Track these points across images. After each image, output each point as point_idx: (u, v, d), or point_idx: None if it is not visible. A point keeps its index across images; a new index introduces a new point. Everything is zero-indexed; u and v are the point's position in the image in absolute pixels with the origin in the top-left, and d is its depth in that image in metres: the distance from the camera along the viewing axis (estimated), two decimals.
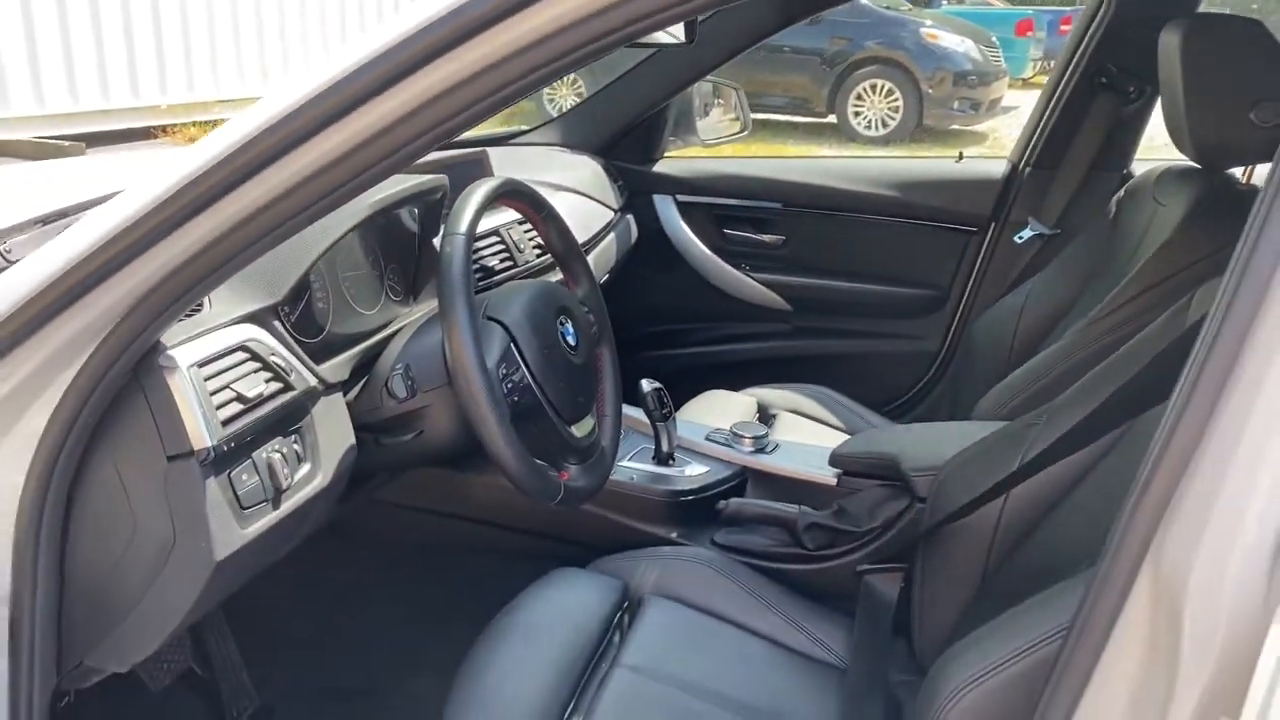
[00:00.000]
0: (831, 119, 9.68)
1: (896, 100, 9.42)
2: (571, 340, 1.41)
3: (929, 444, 1.61)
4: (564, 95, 8.35)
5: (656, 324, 2.69)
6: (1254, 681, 0.70)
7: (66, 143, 6.85)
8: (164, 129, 7.72)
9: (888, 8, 9.90)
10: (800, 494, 1.72)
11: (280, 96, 0.89)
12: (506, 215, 1.84)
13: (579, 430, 1.42)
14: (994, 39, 9.94)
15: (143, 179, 0.94)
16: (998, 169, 2.44)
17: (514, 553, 1.76)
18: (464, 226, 1.28)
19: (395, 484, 1.67)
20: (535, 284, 1.46)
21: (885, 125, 9.50)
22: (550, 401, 1.35)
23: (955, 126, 9.75)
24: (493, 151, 2.06)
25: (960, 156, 2.57)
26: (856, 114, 9.54)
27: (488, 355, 1.28)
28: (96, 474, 1.06)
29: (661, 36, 1.70)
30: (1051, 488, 1.29)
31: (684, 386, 2.23)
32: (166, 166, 0.93)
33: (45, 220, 1.32)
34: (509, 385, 1.30)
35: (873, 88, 9.47)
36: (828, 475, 1.72)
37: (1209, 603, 0.73)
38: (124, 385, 1.03)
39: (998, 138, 9.55)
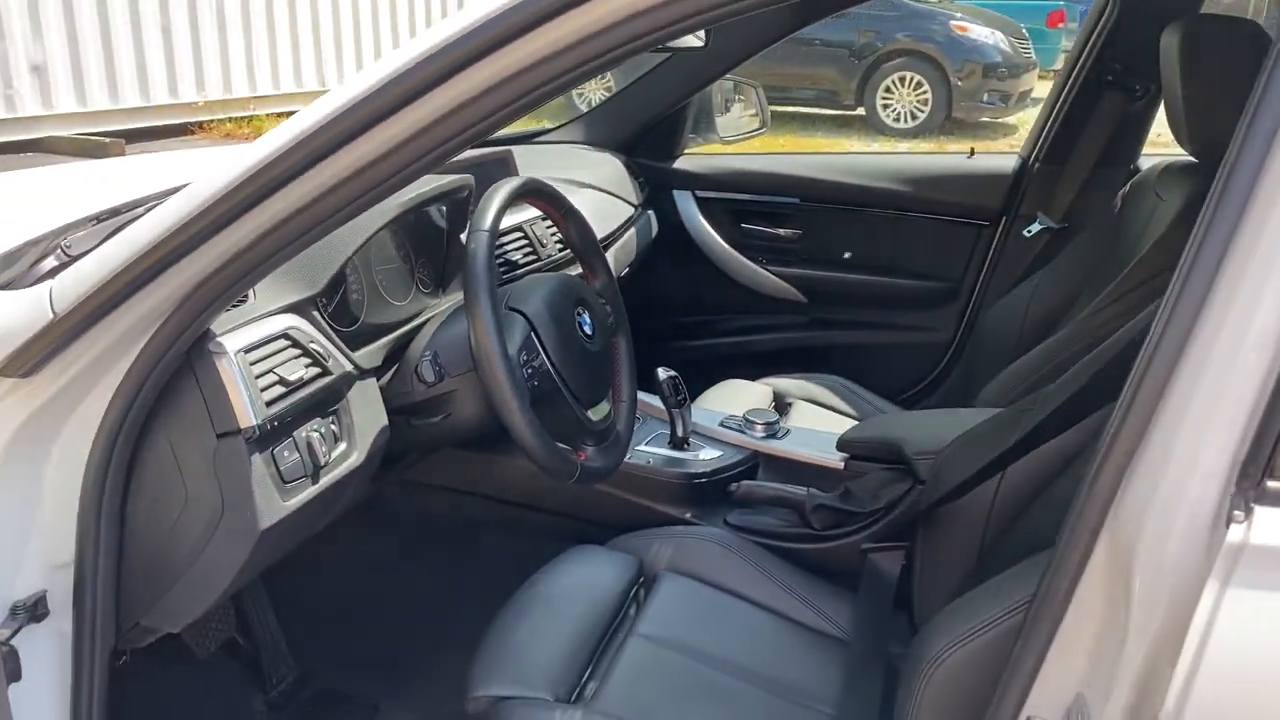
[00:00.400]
0: (860, 111, 9.68)
1: (925, 93, 9.39)
2: (588, 329, 1.50)
3: (931, 429, 1.68)
4: (593, 90, 8.40)
5: (677, 316, 2.75)
6: (1189, 633, 0.77)
7: (107, 139, 7.03)
8: (200, 126, 7.89)
9: (917, 0, 9.88)
10: (809, 477, 1.79)
11: (319, 106, 0.97)
12: (530, 212, 1.91)
13: (595, 414, 1.50)
14: (1024, 30, 9.88)
15: (194, 183, 1.03)
16: (1008, 164, 2.49)
17: (537, 531, 1.84)
18: (488, 223, 1.36)
19: (426, 465, 1.75)
20: (555, 277, 1.54)
21: (914, 118, 9.47)
22: (568, 386, 1.43)
23: (985, 119, 9.71)
24: (518, 150, 2.13)
25: (972, 152, 2.62)
26: (885, 106, 9.53)
27: (509, 343, 1.36)
28: (153, 450, 1.15)
29: (681, 41, 1.78)
30: (1043, 469, 1.35)
31: (703, 376, 2.30)
32: (214, 172, 1.01)
33: (99, 218, 1.41)
34: (529, 371, 1.38)
35: (901, 80, 9.45)
36: (835, 459, 1.79)
37: (1156, 565, 0.80)
38: (178, 369, 1.12)
39: (1027, 129, 9.47)
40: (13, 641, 1.09)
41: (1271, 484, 0.78)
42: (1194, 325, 0.80)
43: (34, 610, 1.12)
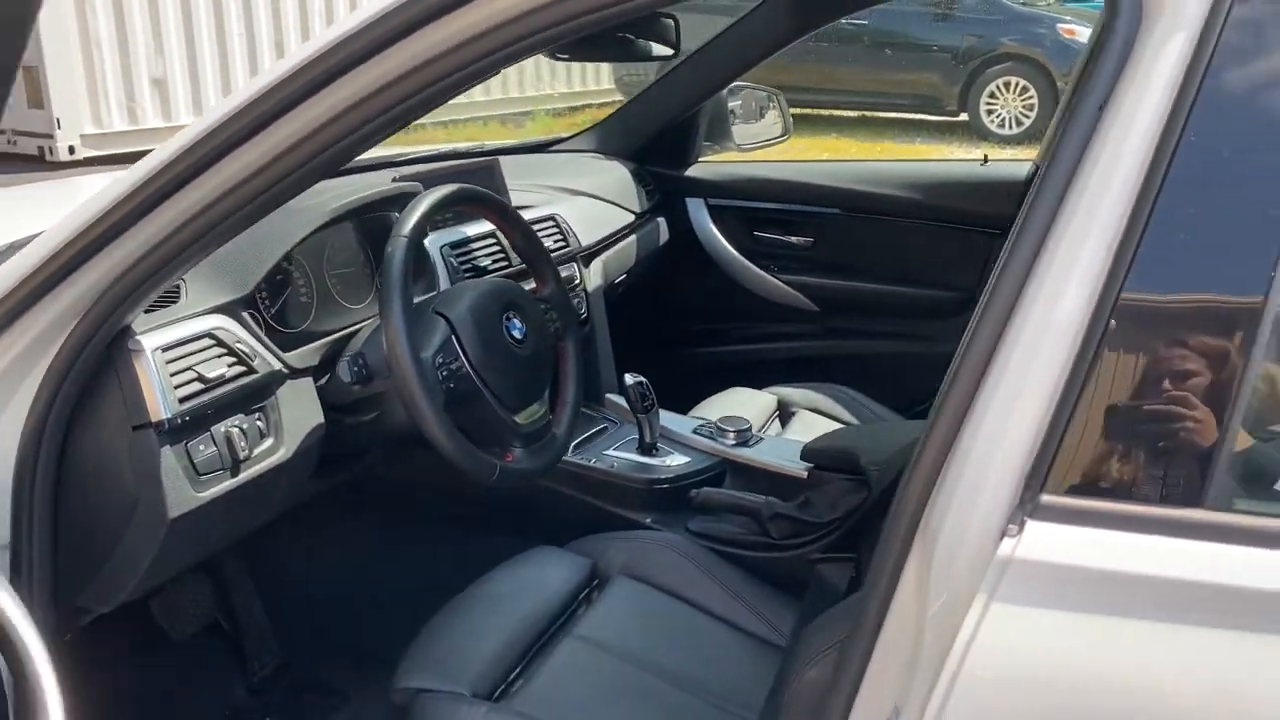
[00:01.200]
0: (963, 117, 9.47)
1: (1031, 98, 9.13)
2: (518, 334, 1.51)
3: (890, 438, 1.65)
4: None
5: (688, 323, 2.74)
6: (954, 647, 0.76)
7: None
8: None
9: (1024, 4, 9.60)
10: (775, 486, 1.77)
11: (215, 110, 1.02)
12: None
13: (523, 417, 1.52)
14: None
15: (102, 188, 1.10)
16: (1022, 171, 2.41)
17: (500, 531, 1.86)
18: (407, 229, 1.40)
19: (403, 464, 1.80)
20: (485, 281, 1.57)
21: (1020, 124, 9.22)
22: (490, 389, 1.45)
23: None
24: (515, 159, 2.17)
25: (985, 160, 2.54)
26: (989, 112, 9.30)
27: (426, 346, 1.40)
28: (79, 441, 1.21)
29: (655, 48, 1.79)
30: None
31: (712, 383, 2.30)
32: (122, 175, 1.08)
33: None
34: (445, 373, 1.41)
35: (1006, 85, 9.22)
36: (800, 469, 1.77)
37: (950, 578, 0.79)
38: (101, 366, 1.19)
39: None
40: None
41: (1046, 498, 0.76)
42: (1000, 336, 0.79)
43: None
